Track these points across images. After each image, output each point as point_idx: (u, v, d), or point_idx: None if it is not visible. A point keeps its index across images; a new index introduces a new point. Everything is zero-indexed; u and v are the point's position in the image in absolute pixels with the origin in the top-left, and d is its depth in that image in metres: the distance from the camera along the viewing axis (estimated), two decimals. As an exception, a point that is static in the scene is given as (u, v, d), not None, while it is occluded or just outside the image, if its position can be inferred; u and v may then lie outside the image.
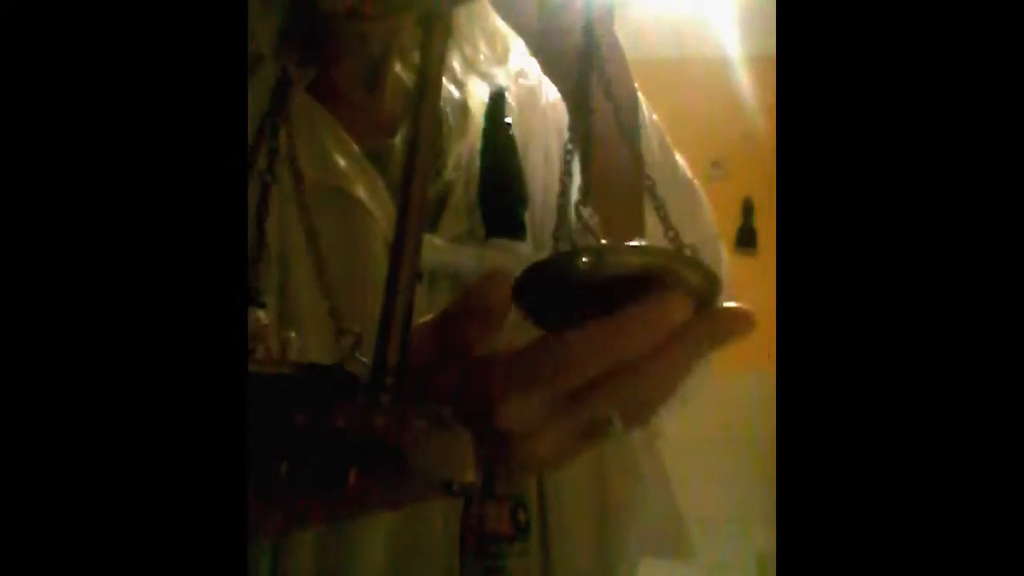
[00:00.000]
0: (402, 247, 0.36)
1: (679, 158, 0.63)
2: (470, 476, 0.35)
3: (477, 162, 0.63)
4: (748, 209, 2.57)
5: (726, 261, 0.66)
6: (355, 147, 0.61)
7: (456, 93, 0.66)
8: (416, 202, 0.36)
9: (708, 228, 0.65)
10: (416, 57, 0.57)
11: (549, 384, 0.35)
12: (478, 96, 0.67)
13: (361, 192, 0.59)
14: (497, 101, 0.65)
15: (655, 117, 0.62)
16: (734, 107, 2.39)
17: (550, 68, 0.56)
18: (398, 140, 0.64)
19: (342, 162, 0.60)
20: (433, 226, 0.62)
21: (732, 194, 2.55)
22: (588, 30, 0.40)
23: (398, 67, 0.65)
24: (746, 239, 2.54)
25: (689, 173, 0.64)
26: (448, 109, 0.65)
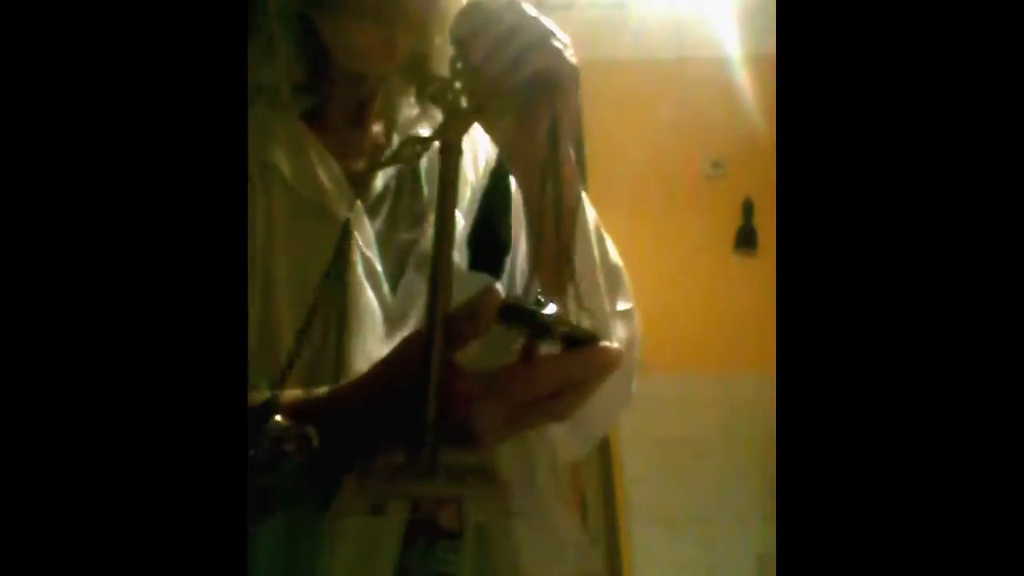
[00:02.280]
0: (433, 327, 0.46)
1: (609, 243, 0.72)
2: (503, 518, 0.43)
3: (468, 198, 0.72)
4: (748, 209, 2.56)
5: (640, 326, 0.74)
6: (338, 169, 0.69)
7: None
8: (442, 298, 0.46)
9: (628, 302, 0.74)
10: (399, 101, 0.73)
11: (518, 394, 0.49)
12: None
13: (341, 210, 0.67)
14: None
15: (595, 213, 0.70)
16: (734, 107, 2.39)
17: (518, 172, 0.65)
18: (379, 174, 0.72)
19: (326, 182, 0.68)
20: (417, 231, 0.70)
21: (732, 194, 2.55)
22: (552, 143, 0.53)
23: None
24: (746, 239, 2.54)
25: (617, 256, 0.72)
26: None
